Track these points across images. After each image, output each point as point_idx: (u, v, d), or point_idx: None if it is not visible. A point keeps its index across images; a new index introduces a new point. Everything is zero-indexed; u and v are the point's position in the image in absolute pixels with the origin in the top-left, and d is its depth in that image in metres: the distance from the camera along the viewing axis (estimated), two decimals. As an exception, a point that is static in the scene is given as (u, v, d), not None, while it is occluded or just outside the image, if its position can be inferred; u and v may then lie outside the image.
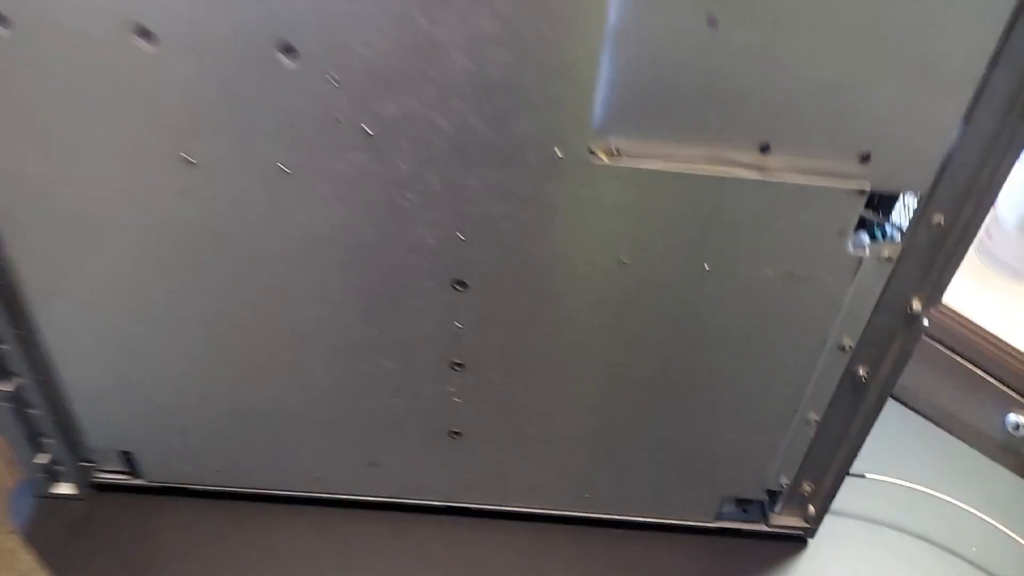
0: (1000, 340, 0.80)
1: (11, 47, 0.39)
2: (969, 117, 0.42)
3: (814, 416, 0.56)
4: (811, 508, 0.62)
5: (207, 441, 0.58)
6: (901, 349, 0.52)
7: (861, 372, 0.54)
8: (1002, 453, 0.83)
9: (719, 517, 0.63)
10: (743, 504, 0.63)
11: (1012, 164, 0.44)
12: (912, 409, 0.84)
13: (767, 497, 0.62)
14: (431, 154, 0.43)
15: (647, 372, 0.53)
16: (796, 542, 0.65)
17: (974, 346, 0.82)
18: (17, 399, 0.54)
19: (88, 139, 0.42)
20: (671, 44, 0.39)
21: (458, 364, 0.53)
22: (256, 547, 0.60)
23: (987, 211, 0.46)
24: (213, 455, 0.59)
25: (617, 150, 0.43)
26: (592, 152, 0.43)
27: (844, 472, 0.59)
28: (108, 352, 0.52)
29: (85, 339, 0.52)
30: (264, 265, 0.48)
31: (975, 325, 0.81)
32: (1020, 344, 0.79)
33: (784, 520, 0.64)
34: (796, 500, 0.62)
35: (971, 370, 0.83)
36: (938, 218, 0.46)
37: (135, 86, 0.40)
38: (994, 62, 0.40)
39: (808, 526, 0.64)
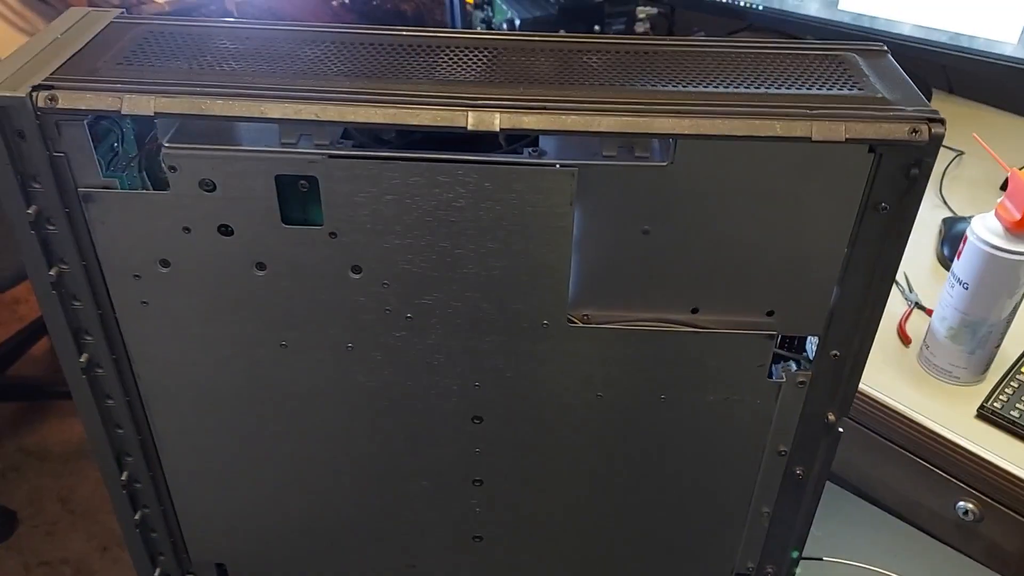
0: (945, 439, 0.94)
1: (170, 279, 0.56)
2: (842, 282, 0.58)
3: (766, 509, 0.70)
4: (777, 587, 0.76)
5: (283, 553, 0.73)
6: (825, 450, 0.67)
7: (798, 471, 0.68)
8: (956, 536, 0.96)
9: (700, 598, 0.77)
10: (721, 586, 0.77)
11: (881, 310, 0.60)
12: (875, 502, 0.97)
13: (739, 579, 0.76)
14: (454, 329, 0.59)
15: (625, 479, 0.68)
16: (769, 617, 0.78)
17: (924, 445, 0.96)
18: (143, 524, 0.69)
19: (216, 336, 0.60)
20: (618, 247, 0.56)
21: (478, 481, 0.68)
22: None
23: (870, 343, 0.61)
24: (288, 564, 0.74)
25: (587, 317, 0.60)
26: (570, 320, 0.59)
27: (799, 554, 0.73)
28: (214, 485, 0.68)
29: (198, 476, 0.68)
30: (333, 415, 0.64)
31: (922, 427, 0.95)
32: (961, 441, 0.93)
33: (756, 599, 0.77)
34: (763, 581, 0.76)
35: (924, 465, 0.97)
36: (834, 351, 0.62)
37: (250, 299, 0.58)
38: (852, 243, 0.57)
39: (777, 603, 0.77)
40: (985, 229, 0.87)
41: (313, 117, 0.50)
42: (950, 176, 1.29)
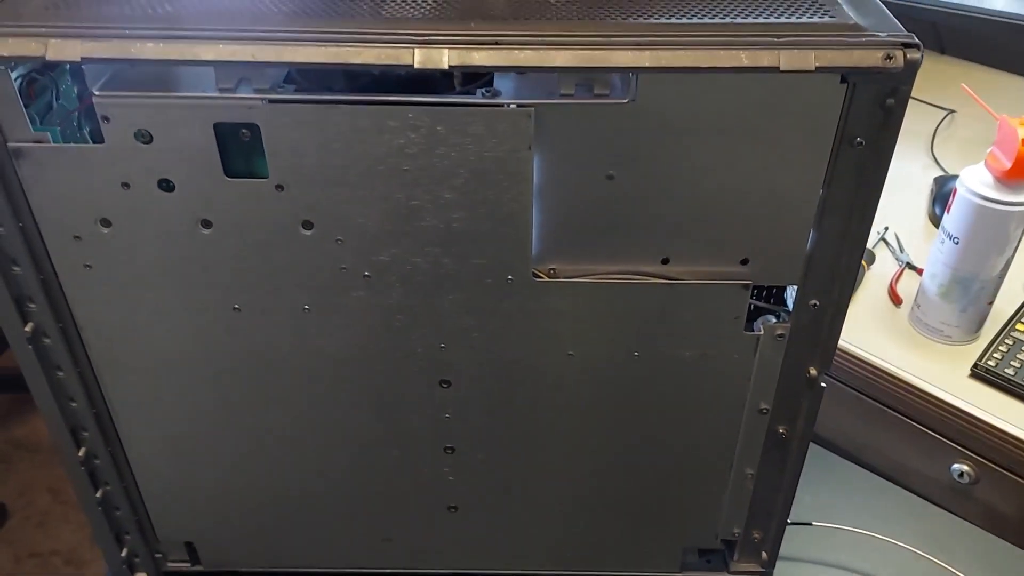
0: (938, 399, 0.91)
1: (112, 240, 0.54)
2: (818, 226, 0.55)
3: (749, 471, 0.68)
4: (763, 554, 0.73)
5: (253, 529, 0.71)
6: (808, 407, 0.64)
7: (780, 430, 0.66)
8: (950, 499, 0.94)
9: (684, 567, 0.74)
10: (706, 555, 0.75)
11: (860, 254, 0.57)
12: (866, 466, 0.94)
13: (724, 547, 0.73)
14: (415, 287, 0.56)
15: (602, 442, 0.65)
16: (756, 585, 0.75)
17: (916, 406, 0.93)
18: (105, 503, 0.67)
19: (165, 300, 0.57)
20: (581, 194, 0.53)
21: (449, 448, 0.66)
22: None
23: (850, 290, 0.59)
24: (259, 541, 0.72)
25: (553, 271, 0.57)
26: (535, 274, 0.57)
27: (785, 517, 0.70)
28: (176, 459, 0.66)
29: (158, 450, 0.65)
30: (294, 382, 0.62)
31: (915, 388, 0.92)
32: (955, 401, 0.90)
33: (742, 567, 0.74)
34: (750, 547, 0.73)
35: (917, 428, 0.95)
36: (813, 301, 0.59)
37: (198, 259, 0.55)
38: (827, 182, 0.54)
39: (764, 571, 0.74)
40: (975, 180, 0.84)
41: (250, 58, 0.47)
42: (941, 135, 1.26)
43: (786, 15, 0.50)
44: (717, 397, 0.63)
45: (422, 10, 0.51)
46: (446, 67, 0.47)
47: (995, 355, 0.92)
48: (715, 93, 0.50)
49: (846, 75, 0.48)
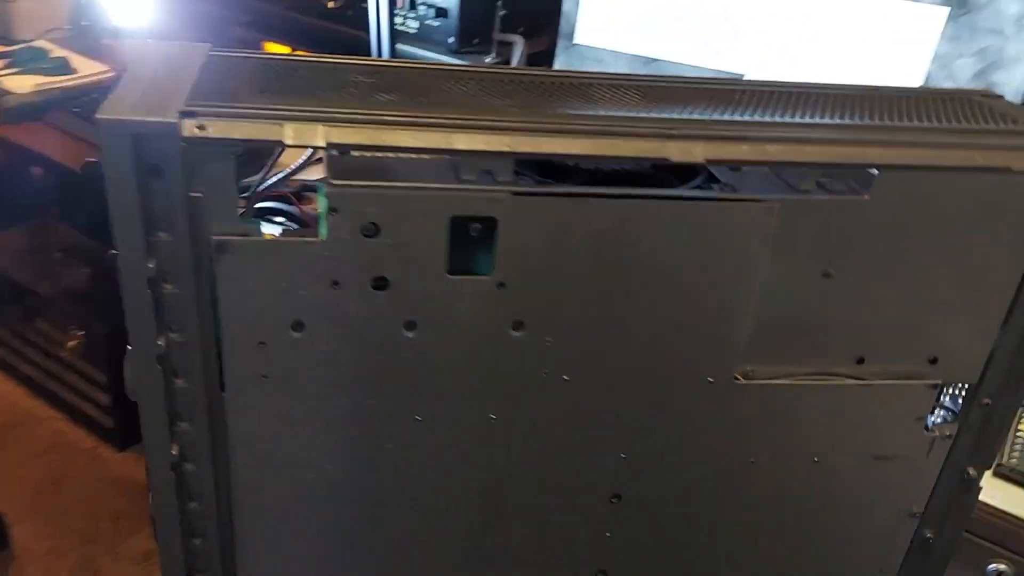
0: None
1: (299, 345, 0.48)
2: (1005, 325, 0.56)
3: (891, 579, 0.66)
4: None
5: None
6: (962, 510, 0.63)
7: (928, 534, 0.64)
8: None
9: None
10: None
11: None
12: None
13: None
14: (610, 390, 0.53)
15: (753, 552, 0.62)
16: None
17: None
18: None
19: (339, 411, 0.51)
20: (795, 292, 0.52)
21: (601, 572, 0.61)
22: None
23: None
24: None
25: (750, 372, 0.55)
26: (735, 376, 0.54)
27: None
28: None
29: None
30: (449, 504, 0.56)
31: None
32: (987, 499, 0.92)
33: None
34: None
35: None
36: (986, 400, 0.59)
37: (391, 365, 0.49)
38: (1020, 286, 0.55)
39: None
40: None
41: (505, 148, 0.44)
42: None
43: (970, 121, 0.52)
44: (881, 499, 0.61)
45: (631, 103, 0.50)
46: (701, 160, 0.46)
47: (1014, 454, 0.95)
48: (937, 192, 0.50)
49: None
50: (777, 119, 0.50)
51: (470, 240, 0.47)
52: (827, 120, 0.51)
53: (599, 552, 0.60)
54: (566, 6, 1.27)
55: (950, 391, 0.61)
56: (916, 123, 0.51)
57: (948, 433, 0.60)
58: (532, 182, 0.47)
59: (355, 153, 0.45)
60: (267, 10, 1.55)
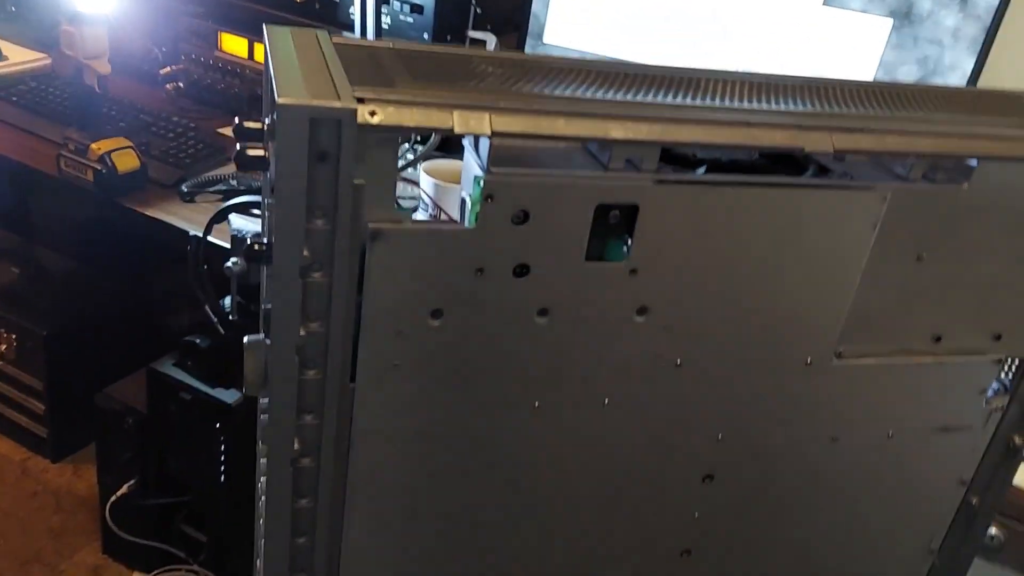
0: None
1: (435, 334, 0.47)
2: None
3: (934, 545, 0.70)
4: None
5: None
6: (1003, 478, 0.68)
7: (974, 501, 0.69)
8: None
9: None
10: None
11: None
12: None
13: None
14: (716, 373, 0.54)
15: (822, 526, 0.65)
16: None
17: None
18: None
19: (463, 399, 0.50)
20: (890, 275, 0.55)
21: (686, 551, 0.62)
22: None
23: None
24: None
25: (842, 352, 0.57)
26: (831, 357, 0.57)
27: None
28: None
29: None
30: (554, 489, 0.56)
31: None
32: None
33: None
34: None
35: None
36: (1037, 372, 0.63)
37: (519, 351, 0.50)
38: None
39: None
40: None
41: (659, 137, 0.45)
42: None
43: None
44: (937, 470, 0.65)
45: (743, 95, 0.51)
46: (831, 151, 0.48)
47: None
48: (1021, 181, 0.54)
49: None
50: (886, 113, 0.52)
51: (606, 228, 0.47)
52: (929, 114, 0.53)
53: (686, 531, 0.61)
54: (536, 6, 1.28)
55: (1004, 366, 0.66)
56: (1002, 118, 0.55)
57: (999, 405, 0.64)
58: (670, 171, 0.48)
59: (495, 141, 0.45)
60: (225, 0, 1.50)
